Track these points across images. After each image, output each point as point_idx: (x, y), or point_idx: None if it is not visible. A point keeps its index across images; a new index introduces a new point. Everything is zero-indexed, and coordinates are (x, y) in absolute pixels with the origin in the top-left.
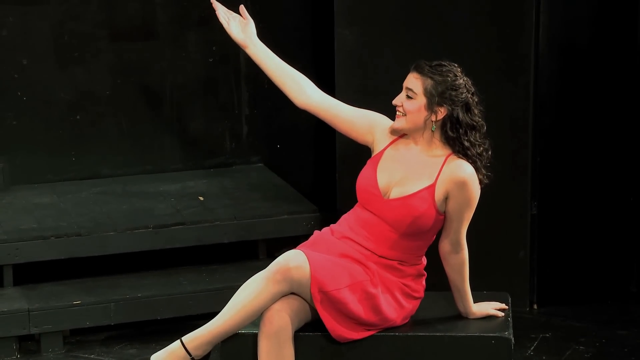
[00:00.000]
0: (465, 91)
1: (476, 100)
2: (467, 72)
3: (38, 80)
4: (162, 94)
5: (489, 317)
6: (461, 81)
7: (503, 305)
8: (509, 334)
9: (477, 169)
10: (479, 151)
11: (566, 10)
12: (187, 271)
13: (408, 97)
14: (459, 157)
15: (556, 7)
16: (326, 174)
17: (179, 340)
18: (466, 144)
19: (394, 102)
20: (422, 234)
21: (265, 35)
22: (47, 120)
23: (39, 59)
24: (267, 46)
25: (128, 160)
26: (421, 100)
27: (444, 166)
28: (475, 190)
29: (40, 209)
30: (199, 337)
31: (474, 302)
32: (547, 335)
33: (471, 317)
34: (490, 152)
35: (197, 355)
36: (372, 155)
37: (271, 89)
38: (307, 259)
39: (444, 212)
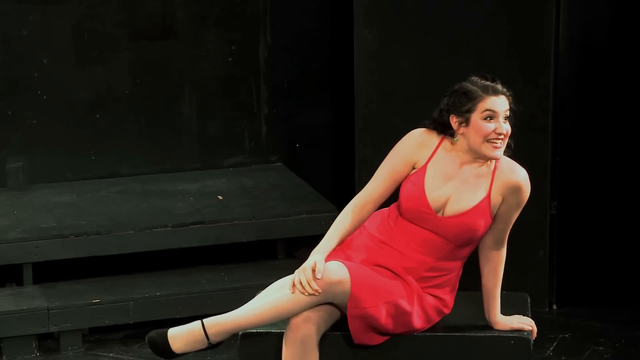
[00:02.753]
0: None
1: None
2: (487, 70)
3: (58, 80)
4: (182, 94)
5: (508, 316)
6: None
7: (530, 323)
8: (528, 334)
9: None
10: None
11: (586, 10)
12: (206, 270)
13: (506, 120)
14: (505, 158)
15: (576, 7)
16: (345, 173)
17: (199, 322)
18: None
19: (501, 132)
20: (476, 240)
21: (283, 34)
22: (66, 120)
23: (59, 58)
24: (286, 46)
25: (147, 159)
26: (511, 116)
27: (496, 171)
28: (528, 193)
29: (59, 207)
30: (222, 324)
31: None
32: (567, 335)
33: (495, 326)
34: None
35: (214, 340)
36: (413, 172)
37: (290, 89)
38: (349, 274)
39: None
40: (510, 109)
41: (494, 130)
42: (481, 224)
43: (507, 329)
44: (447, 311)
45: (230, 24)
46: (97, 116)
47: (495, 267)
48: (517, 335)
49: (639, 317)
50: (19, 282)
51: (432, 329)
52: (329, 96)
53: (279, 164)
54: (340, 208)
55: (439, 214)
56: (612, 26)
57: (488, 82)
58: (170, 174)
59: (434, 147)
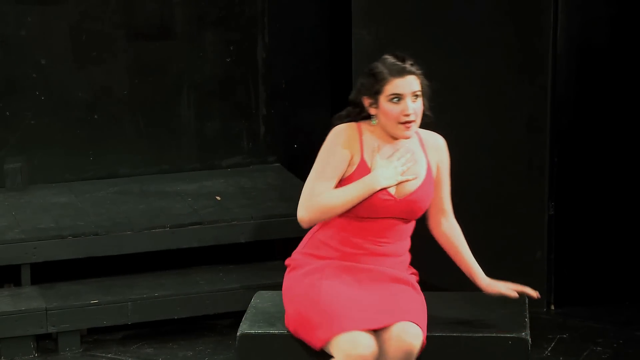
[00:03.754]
0: None
1: None
2: (485, 71)
3: (56, 80)
4: (180, 94)
5: (506, 317)
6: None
7: (522, 289)
8: (526, 334)
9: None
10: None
11: (584, 11)
12: (204, 271)
13: (414, 99)
14: (427, 130)
15: (574, 8)
16: None
17: None
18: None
19: (408, 113)
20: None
21: (281, 34)
22: (65, 120)
23: (57, 58)
24: (284, 47)
25: (145, 159)
26: (421, 96)
27: (422, 140)
28: (448, 155)
29: (58, 208)
30: None
31: (490, 302)
32: (565, 336)
33: (486, 289)
34: None
35: None
36: (352, 172)
37: (288, 89)
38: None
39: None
40: (424, 86)
41: (401, 112)
42: (431, 192)
43: (496, 294)
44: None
45: (229, 25)
46: (96, 117)
47: (458, 234)
48: (515, 336)
49: (637, 318)
50: (17, 283)
51: (430, 329)
52: (328, 97)
53: (277, 164)
54: None
55: (398, 197)
56: (610, 27)
57: (397, 62)
58: (169, 175)
59: (359, 138)
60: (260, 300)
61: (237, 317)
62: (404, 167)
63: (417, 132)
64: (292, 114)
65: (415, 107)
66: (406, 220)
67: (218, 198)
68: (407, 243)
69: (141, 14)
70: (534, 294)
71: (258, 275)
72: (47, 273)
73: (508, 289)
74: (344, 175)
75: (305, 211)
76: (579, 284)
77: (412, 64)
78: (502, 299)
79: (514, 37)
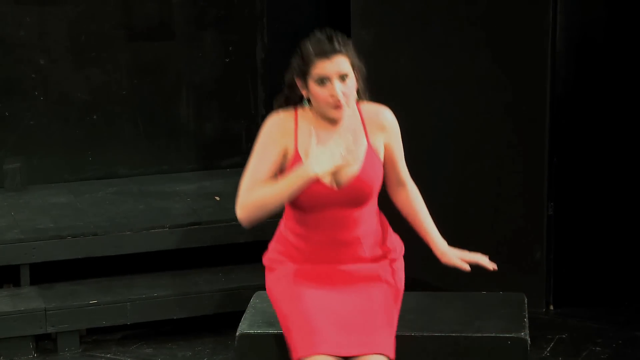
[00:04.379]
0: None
1: None
2: (484, 72)
3: (55, 80)
4: (179, 94)
5: (505, 317)
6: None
7: (475, 259)
8: (525, 334)
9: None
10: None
11: (583, 11)
12: (203, 271)
13: (342, 81)
14: (362, 102)
15: (573, 8)
16: None
17: None
18: (362, 86)
19: (337, 96)
20: (377, 189)
21: (280, 35)
22: (63, 120)
23: (56, 59)
24: (282, 47)
25: (144, 160)
26: (351, 74)
27: (364, 118)
28: (397, 126)
29: (56, 208)
30: None
31: (489, 302)
32: (564, 336)
33: (442, 258)
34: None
35: None
36: (287, 164)
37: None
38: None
39: (383, 159)
40: (356, 65)
41: (328, 95)
42: (376, 174)
43: (451, 264)
44: (399, 252)
45: (228, 25)
46: (94, 117)
47: (416, 202)
48: (514, 336)
49: (636, 318)
50: (16, 283)
51: (429, 329)
52: None
53: None
54: None
55: (338, 185)
56: (609, 27)
57: (323, 41)
58: (168, 175)
59: (294, 127)
60: (259, 300)
61: (236, 317)
62: (342, 152)
63: (359, 109)
64: None
65: (344, 89)
66: (355, 207)
67: (217, 198)
68: (371, 224)
69: (140, 14)
70: (489, 266)
71: (257, 276)
72: (46, 273)
73: (460, 260)
74: (282, 167)
75: (240, 209)
76: (578, 284)
77: (340, 43)
78: (501, 299)
79: (513, 37)
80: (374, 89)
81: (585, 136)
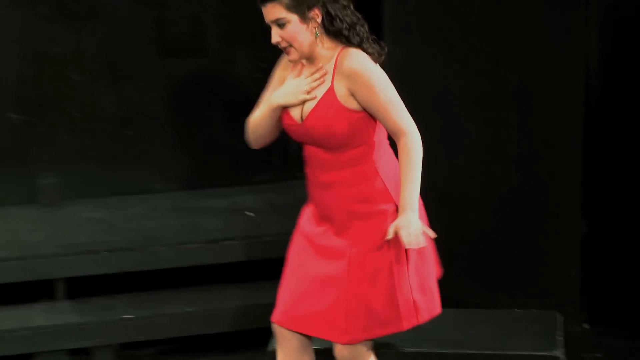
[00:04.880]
0: None
1: None
2: (516, 89)
3: (89, 96)
4: (211, 110)
5: (539, 335)
6: None
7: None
8: (559, 353)
9: (365, 49)
10: (360, 31)
11: (616, 27)
12: (236, 287)
13: (280, 27)
14: (346, 48)
15: (606, 24)
16: None
17: None
18: (345, 29)
19: (273, 42)
20: (352, 139)
21: None
22: (98, 136)
23: (91, 75)
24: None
25: (177, 176)
26: (292, 18)
27: (337, 63)
28: (367, 74)
29: (91, 223)
30: None
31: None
32: (599, 355)
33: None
34: (365, 25)
35: None
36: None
37: None
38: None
39: (363, 109)
40: (290, 7)
41: (272, 42)
42: (331, 116)
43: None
44: (388, 204)
45: (259, 42)
46: (128, 133)
47: (402, 159)
48: (548, 354)
49: None
50: (52, 298)
51: (461, 346)
52: None
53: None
54: None
55: (300, 121)
56: None
57: None
58: (201, 191)
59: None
60: None
61: (268, 332)
62: (306, 87)
63: (339, 54)
64: None
65: (282, 34)
66: (326, 149)
67: (250, 214)
68: (362, 177)
69: (173, 31)
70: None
71: None
72: (81, 288)
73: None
74: None
75: (246, 132)
76: (614, 302)
77: None
78: (535, 318)
79: (546, 54)
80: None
81: (619, 153)
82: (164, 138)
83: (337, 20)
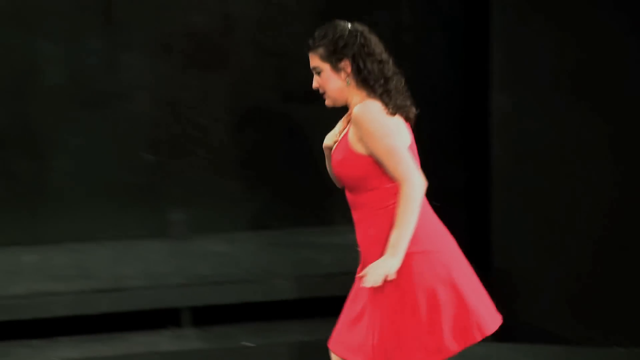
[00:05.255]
0: (350, 34)
1: (373, 39)
2: (621, 134)
3: (215, 139)
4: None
5: None
6: (342, 29)
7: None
8: None
9: (384, 100)
10: (389, 83)
11: None
12: None
13: (318, 74)
14: (366, 99)
15: None
16: (479, 233)
17: None
18: (371, 82)
19: (314, 87)
20: (363, 182)
21: (421, 99)
22: (223, 175)
23: (217, 118)
24: (422, 109)
25: (297, 213)
26: (325, 68)
27: (351, 112)
28: (365, 121)
29: (216, 256)
30: None
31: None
32: None
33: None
34: (403, 80)
35: None
36: None
37: (426, 150)
38: None
39: (371, 155)
40: (325, 58)
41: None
42: (343, 162)
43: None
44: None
45: None
46: (251, 173)
47: (399, 202)
48: None
49: None
50: (179, 325)
51: None
52: (463, 157)
53: None
54: (476, 266)
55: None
56: None
57: (308, 41)
58: (318, 228)
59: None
60: None
61: None
62: (337, 130)
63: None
64: (430, 173)
65: (319, 80)
66: (349, 189)
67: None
68: (374, 216)
69: (293, 79)
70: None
71: None
72: (205, 316)
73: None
74: None
75: None
76: None
77: (311, 41)
78: (624, 355)
79: None
80: (511, 151)
81: None
82: (283, 178)
83: (365, 71)
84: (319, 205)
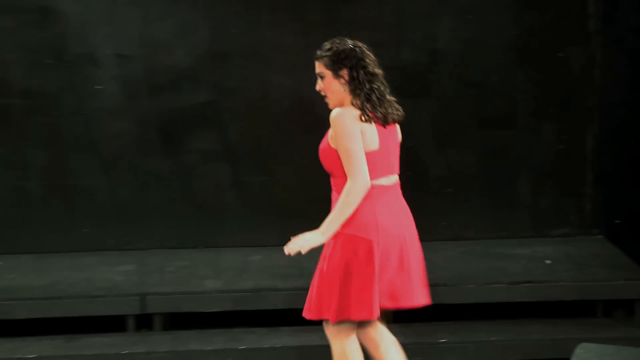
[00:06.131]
0: (352, 49)
1: (369, 56)
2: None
3: (420, 159)
4: (518, 174)
5: None
6: (346, 44)
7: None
8: None
9: (362, 108)
10: (377, 95)
11: None
12: (535, 322)
13: (321, 79)
14: (350, 104)
15: None
16: None
17: None
18: (358, 90)
19: (317, 89)
20: (334, 170)
21: (609, 126)
22: (425, 192)
23: (421, 141)
24: (611, 137)
25: (488, 226)
26: (328, 74)
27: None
28: (335, 125)
29: None
30: None
31: None
32: None
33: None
34: (387, 90)
35: None
36: None
37: (613, 173)
38: None
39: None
40: (327, 66)
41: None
42: (323, 150)
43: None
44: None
45: (562, 118)
46: (449, 190)
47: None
48: None
49: None
50: (387, 322)
51: None
52: None
53: (600, 236)
54: None
55: None
56: None
57: (316, 52)
58: (507, 240)
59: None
60: (583, 350)
61: None
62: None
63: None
64: (615, 194)
65: (322, 84)
66: (326, 170)
67: (548, 262)
68: (339, 196)
69: (490, 107)
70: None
71: (581, 330)
72: (407, 314)
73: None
74: None
75: None
76: None
77: (319, 52)
78: None
79: None
80: None
81: None
82: (478, 195)
83: (357, 81)
84: (508, 220)
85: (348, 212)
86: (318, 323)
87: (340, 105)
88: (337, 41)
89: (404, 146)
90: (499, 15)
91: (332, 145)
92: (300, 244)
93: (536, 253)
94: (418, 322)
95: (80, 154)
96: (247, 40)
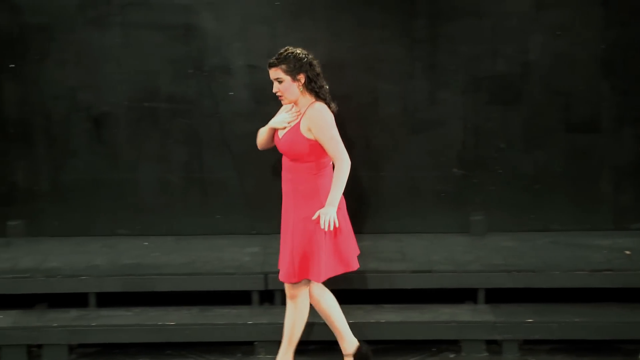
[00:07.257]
0: (305, 57)
1: (314, 59)
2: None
3: (509, 159)
4: (599, 174)
5: None
6: (299, 54)
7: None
8: None
9: (328, 103)
10: (325, 90)
11: None
12: (615, 306)
13: (279, 83)
14: (316, 102)
15: None
16: None
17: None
18: (317, 88)
19: (274, 91)
20: (304, 156)
21: None
22: (513, 188)
23: (512, 143)
24: None
25: (573, 219)
26: (286, 78)
27: (307, 110)
28: (318, 118)
29: (507, 250)
30: None
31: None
32: None
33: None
34: (327, 88)
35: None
36: None
37: None
38: None
39: (315, 140)
40: (286, 71)
41: (273, 91)
42: (293, 142)
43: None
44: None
45: None
46: (537, 186)
47: (334, 174)
48: None
49: None
50: (475, 301)
51: None
52: None
53: None
54: None
55: (278, 138)
56: None
57: (270, 60)
58: (590, 232)
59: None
60: None
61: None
62: (288, 120)
63: (311, 104)
64: None
65: (280, 87)
66: (291, 158)
67: (628, 252)
68: (305, 178)
69: (576, 113)
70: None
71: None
72: (496, 296)
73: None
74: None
75: None
76: None
77: (275, 60)
78: None
79: None
80: None
81: None
82: (564, 192)
83: (314, 83)
84: (591, 213)
85: (344, 185)
86: (415, 301)
87: (295, 103)
88: (290, 50)
89: (495, 147)
90: (586, 30)
91: (307, 136)
92: (327, 218)
93: (616, 244)
94: (507, 303)
95: (215, 150)
96: (360, 53)
